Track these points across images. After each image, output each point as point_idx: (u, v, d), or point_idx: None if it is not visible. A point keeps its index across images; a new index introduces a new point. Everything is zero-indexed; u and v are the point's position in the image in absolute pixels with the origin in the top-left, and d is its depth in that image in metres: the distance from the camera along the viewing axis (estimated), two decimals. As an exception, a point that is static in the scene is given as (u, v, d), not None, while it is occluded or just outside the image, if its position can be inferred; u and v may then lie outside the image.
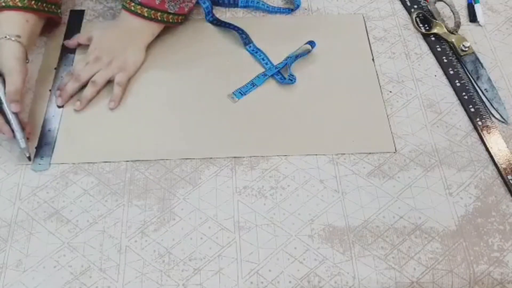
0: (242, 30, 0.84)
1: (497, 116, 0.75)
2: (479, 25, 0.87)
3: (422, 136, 0.73)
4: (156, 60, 0.81)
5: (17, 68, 0.71)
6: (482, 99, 0.77)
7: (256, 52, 0.82)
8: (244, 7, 0.89)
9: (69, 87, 0.76)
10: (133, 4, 0.79)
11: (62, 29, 0.85)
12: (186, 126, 0.74)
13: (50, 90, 0.77)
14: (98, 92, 0.76)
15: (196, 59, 0.82)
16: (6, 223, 0.65)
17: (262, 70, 0.80)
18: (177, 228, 0.65)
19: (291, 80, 0.78)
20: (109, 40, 0.80)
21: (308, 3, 0.90)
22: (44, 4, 0.79)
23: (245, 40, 0.83)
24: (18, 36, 0.73)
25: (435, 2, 0.88)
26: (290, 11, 0.89)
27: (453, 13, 0.86)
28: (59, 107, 0.75)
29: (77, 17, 0.87)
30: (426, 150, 0.72)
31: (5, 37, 0.72)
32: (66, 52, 0.82)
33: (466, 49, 0.82)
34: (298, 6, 0.89)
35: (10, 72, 0.70)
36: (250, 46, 0.83)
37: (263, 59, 0.81)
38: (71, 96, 0.76)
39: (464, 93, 0.78)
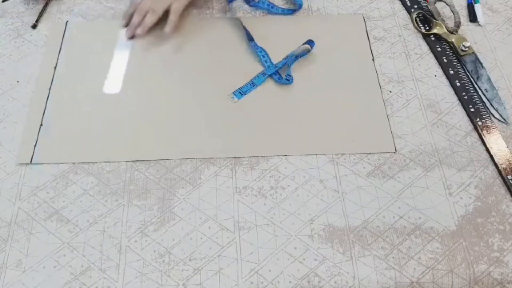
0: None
1: (497, 116, 0.75)
2: (479, 25, 0.87)
3: (422, 136, 0.73)
4: (156, 60, 0.81)
5: None
6: (482, 99, 0.77)
7: (257, 49, 0.82)
8: (254, 6, 0.89)
9: (135, 19, 0.84)
10: None
11: (62, 29, 0.85)
12: (186, 126, 0.74)
13: (49, 89, 0.77)
14: (157, 20, 0.83)
15: (196, 59, 0.82)
16: (6, 223, 0.65)
17: (262, 69, 0.80)
18: (177, 228, 0.65)
19: (288, 80, 0.78)
20: None
21: (308, 3, 0.90)
22: None
23: (249, 36, 0.83)
24: None
25: (435, 2, 0.88)
26: (292, 11, 0.88)
27: (453, 13, 0.86)
28: (129, 39, 0.83)
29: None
30: (426, 150, 0.72)
31: None
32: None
33: (466, 49, 0.82)
34: (300, 6, 0.89)
35: None
36: (252, 42, 0.82)
37: (263, 56, 0.81)
38: (146, 28, 0.83)
39: (464, 93, 0.78)
